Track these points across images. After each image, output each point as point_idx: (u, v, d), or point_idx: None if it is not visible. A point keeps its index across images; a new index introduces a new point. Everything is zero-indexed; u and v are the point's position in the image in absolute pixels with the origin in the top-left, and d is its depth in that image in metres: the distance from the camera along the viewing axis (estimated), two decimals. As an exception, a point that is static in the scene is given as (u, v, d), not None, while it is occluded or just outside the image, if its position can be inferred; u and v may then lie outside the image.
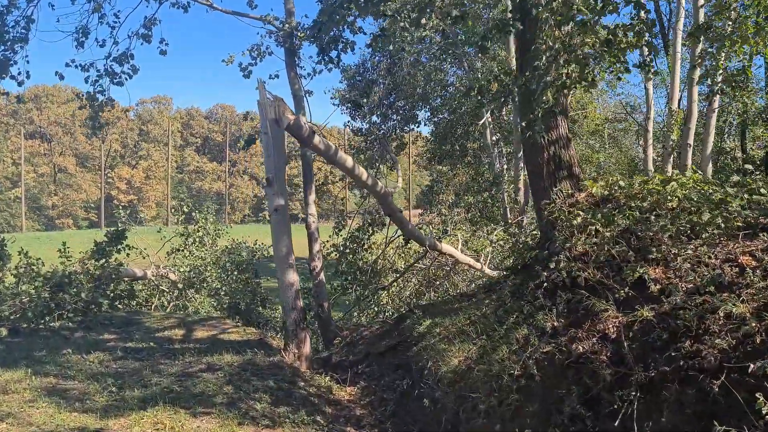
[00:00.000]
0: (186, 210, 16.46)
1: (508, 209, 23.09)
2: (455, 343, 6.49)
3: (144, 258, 16.67)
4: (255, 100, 9.23)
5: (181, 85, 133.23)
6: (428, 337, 7.28)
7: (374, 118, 26.69)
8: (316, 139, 9.10)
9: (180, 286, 16.18)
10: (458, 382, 5.93)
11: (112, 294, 12.05)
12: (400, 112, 27.03)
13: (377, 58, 26.35)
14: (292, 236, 8.57)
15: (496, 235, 15.73)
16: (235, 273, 19.35)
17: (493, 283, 8.41)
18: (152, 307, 14.95)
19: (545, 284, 5.90)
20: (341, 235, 12.85)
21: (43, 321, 10.55)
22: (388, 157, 20.59)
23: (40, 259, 12.66)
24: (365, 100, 23.71)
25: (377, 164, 22.18)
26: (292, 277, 8.23)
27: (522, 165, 17.43)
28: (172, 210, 21.33)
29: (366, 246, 12.66)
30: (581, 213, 6.43)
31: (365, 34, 7.99)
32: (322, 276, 11.69)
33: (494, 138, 25.38)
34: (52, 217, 79.89)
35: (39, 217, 77.64)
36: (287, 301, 8.19)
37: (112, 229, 13.54)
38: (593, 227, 5.96)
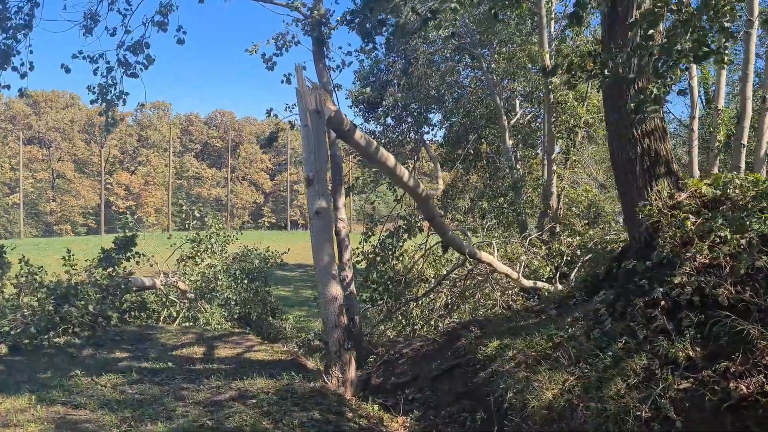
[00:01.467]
0: (198, 215, 15.39)
1: (527, 215, 22.09)
2: (541, 371, 5.44)
3: (151, 266, 15.61)
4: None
5: (180, 91, 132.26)
6: (499, 361, 6.23)
7: (389, 120, 25.77)
8: (358, 133, 8.10)
9: (190, 296, 15.14)
10: (557, 421, 4.89)
11: (121, 306, 10.99)
12: (414, 114, 26.12)
13: (392, 58, 25.45)
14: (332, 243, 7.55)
15: (531, 242, 14.73)
16: (245, 281, 18.38)
17: (564, 297, 7.38)
18: (160, 319, 13.89)
19: (662, 302, 4.87)
20: (370, 242, 11.81)
21: (47, 337, 9.49)
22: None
23: (42, 267, 11.64)
24: (390, 98, 22.73)
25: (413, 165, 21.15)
26: (336, 290, 7.19)
27: (554, 168, 16.40)
28: (182, 215, 20.23)
29: (397, 254, 11.61)
30: (691, 216, 5.41)
31: (419, 15, 7.03)
32: (353, 287, 10.68)
33: (512, 141, 24.41)
34: (50, 223, 78.82)
35: (37, 224, 76.57)
36: (330, 318, 7.14)
37: (121, 235, 12.49)
38: (718, 234, 4.94)
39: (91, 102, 9.97)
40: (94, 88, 9.88)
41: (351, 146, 8.28)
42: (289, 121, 11.21)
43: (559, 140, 22.54)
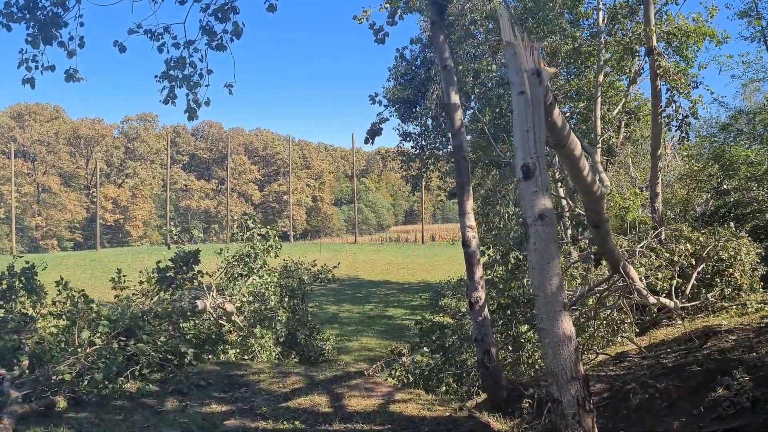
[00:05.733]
0: (252, 225, 13.17)
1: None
2: None
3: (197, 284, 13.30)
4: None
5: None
6: None
7: (428, 121, 23.81)
8: (556, 111, 6.05)
9: (239, 320, 12.95)
10: None
11: (197, 338, 8.77)
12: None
13: (428, 54, 23.52)
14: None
15: (649, 248, 12.74)
16: (286, 299, 16.41)
17: None
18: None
19: None
20: (499, 261, 9.74)
21: (114, 383, 7.26)
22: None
23: (83, 291, 9.37)
24: (433, 95, 20.76)
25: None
26: (568, 326, 5.08)
27: (660, 165, 14.39)
28: (236, 227, 18.08)
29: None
30: None
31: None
32: (486, 312, 8.56)
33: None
34: (36, 238, 75.65)
35: (22, 239, 73.34)
36: (562, 366, 5.02)
37: (181, 250, 10.28)
38: None
39: (165, 78, 7.75)
40: (173, 61, 7.66)
41: (547, 126, 6.19)
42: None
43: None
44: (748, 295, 13.30)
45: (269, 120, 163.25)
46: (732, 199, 20.52)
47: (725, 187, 20.91)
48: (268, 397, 7.25)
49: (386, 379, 9.06)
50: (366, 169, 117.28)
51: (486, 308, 8.62)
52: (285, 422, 6.28)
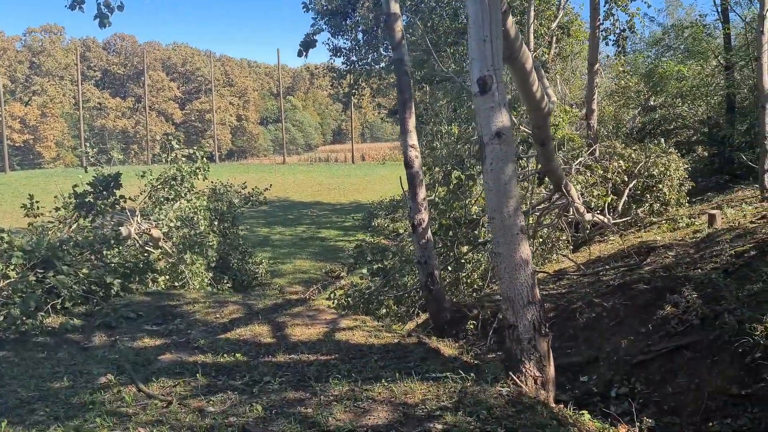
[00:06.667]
0: (176, 145, 12.38)
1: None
2: None
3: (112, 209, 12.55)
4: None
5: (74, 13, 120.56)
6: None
7: (359, 35, 22.87)
8: (510, 19, 5.66)
9: (168, 246, 12.37)
10: None
11: (122, 267, 8.20)
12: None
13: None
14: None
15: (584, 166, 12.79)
16: (216, 223, 15.90)
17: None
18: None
19: None
20: (440, 181, 9.46)
21: (33, 319, 6.71)
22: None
23: (-8, 219, 8.57)
24: (363, 8, 19.83)
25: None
26: (525, 250, 4.85)
27: (597, 80, 14.28)
28: (158, 147, 16.79)
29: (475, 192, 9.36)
30: None
31: None
32: (429, 234, 8.34)
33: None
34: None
35: None
36: (518, 291, 4.83)
37: (99, 173, 9.52)
38: None
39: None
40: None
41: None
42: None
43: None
44: (676, 209, 13.67)
45: (186, 34, 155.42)
46: (657, 116, 20.83)
47: (652, 103, 21.23)
48: (206, 329, 6.87)
49: (329, 306, 8.79)
50: (292, 87, 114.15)
51: (429, 230, 8.39)
52: (225, 355, 5.93)
